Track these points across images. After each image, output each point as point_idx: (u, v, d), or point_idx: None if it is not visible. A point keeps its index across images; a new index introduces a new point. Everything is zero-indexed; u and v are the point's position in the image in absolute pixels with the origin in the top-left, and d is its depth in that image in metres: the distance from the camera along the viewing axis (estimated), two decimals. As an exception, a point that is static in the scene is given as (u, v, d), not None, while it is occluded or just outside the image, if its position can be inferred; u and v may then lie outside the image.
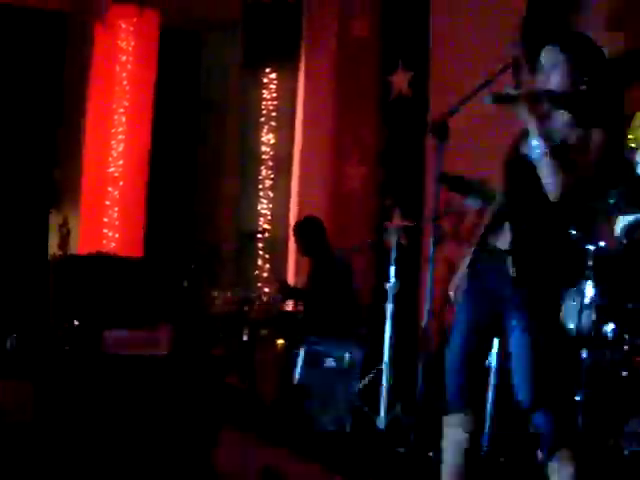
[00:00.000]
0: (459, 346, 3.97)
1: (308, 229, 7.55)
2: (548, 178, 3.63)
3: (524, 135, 3.84)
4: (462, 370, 3.96)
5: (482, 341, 4.05)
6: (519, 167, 3.84)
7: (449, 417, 3.99)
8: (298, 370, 6.13)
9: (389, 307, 5.48)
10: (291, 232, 7.88)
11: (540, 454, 3.93)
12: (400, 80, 8.78)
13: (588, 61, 3.80)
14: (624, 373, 5.18)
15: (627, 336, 4.83)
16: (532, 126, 3.69)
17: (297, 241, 7.71)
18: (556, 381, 3.79)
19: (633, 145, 5.36)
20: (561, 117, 3.80)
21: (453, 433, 3.97)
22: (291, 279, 9.28)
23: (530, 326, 3.68)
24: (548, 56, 3.83)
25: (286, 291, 7.43)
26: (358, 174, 9.28)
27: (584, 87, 3.75)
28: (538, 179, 3.68)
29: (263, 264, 10.02)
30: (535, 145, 3.67)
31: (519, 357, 3.75)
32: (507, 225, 3.83)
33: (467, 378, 3.97)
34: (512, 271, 3.72)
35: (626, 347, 4.85)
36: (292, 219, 9.58)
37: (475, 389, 4.06)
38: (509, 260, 3.73)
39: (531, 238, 3.74)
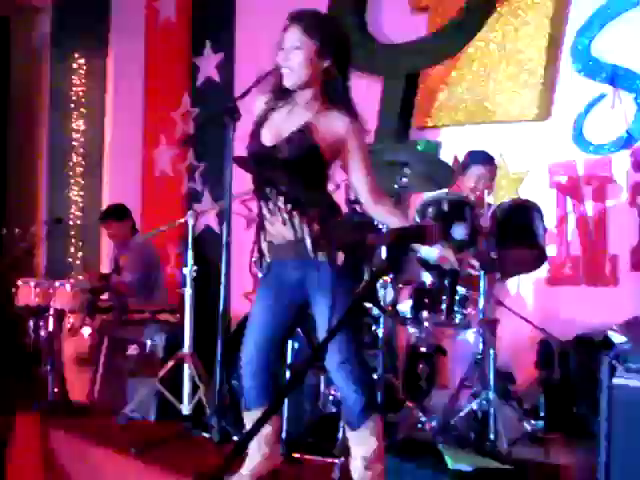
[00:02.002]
0: (257, 344, 3.94)
1: (114, 216, 7.49)
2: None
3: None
4: (262, 368, 3.94)
5: (280, 334, 4.02)
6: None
7: (251, 413, 3.96)
8: (102, 358, 6.08)
9: (188, 292, 5.42)
10: (104, 222, 7.75)
11: (344, 427, 3.96)
12: (209, 63, 8.77)
13: (331, 43, 3.80)
14: (422, 349, 5.33)
15: (426, 313, 4.93)
16: None
17: (104, 228, 7.62)
18: (358, 356, 3.82)
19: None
20: None
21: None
22: (103, 267, 9.19)
23: (333, 303, 3.65)
24: (290, 37, 3.76)
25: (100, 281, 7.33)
26: (168, 158, 9.23)
27: None
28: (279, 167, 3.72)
29: (75, 252, 9.87)
30: None
31: (322, 330, 3.74)
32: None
33: (268, 375, 3.95)
34: (310, 252, 3.73)
35: (426, 324, 4.97)
36: (104, 205, 9.47)
37: (276, 382, 4.02)
38: (307, 243, 3.74)
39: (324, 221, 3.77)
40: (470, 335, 5.11)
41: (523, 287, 6.05)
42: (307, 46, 3.72)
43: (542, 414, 5.11)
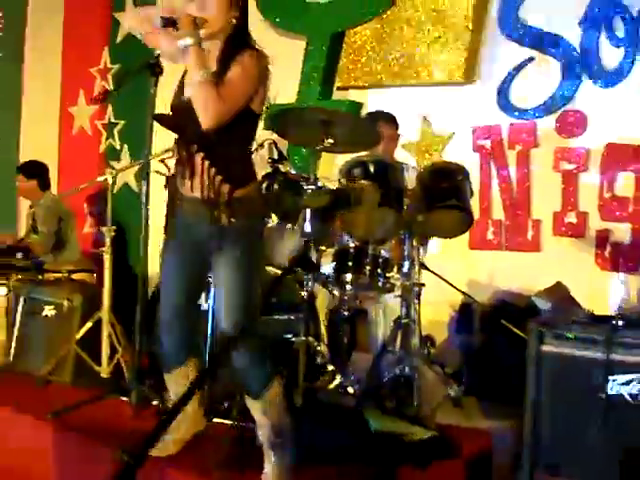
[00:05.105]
0: (171, 303, 3.85)
1: (30, 171, 7.31)
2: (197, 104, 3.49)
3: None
4: (179, 327, 3.87)
5: (193, 290, 3.95)
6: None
7: (171, 374, 3.92)
8: (18, 320, 5.91)
9: (107, 251, 5.28)
10: (16, 174, 7.56)
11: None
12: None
13: None
14: (344, 313, 5.28)
15: (349, 276, 4.87)
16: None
17: (20, 183, 7.44)
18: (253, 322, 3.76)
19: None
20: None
21: (180, 387, 3.90)
22: (19, 224, 9.01)
23: (230, 265, 3.63)
24: None
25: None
26: (86, 115, 9.03)
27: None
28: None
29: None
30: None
31: (220, 292, 3.69)
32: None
33: (184, 332, 3.89)
34: (211, 214, 3.64)
35: (348, 287, 4.91)
36: (21, 158, 9.25)
37: (193, 339, 3.98)
38: (215, 204, 3.64)
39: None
40: (392, 299, 5.06)
41: (444, 250, 6.02)
42: None
43: (463, 379, 5.08)
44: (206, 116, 3.47)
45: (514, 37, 6.19)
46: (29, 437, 4.64)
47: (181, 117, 3.72)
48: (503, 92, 6.23)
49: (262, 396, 3.70)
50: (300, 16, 7.16)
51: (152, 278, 7.25)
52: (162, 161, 6.29)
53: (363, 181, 4.55)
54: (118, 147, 8.68)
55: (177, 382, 3.93)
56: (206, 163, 3.63)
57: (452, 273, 5.58)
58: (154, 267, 7.15)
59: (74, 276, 6.48)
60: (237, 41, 3.63)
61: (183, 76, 3.79)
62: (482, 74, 6.39)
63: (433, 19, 6.51)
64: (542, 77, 6.07)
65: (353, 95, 6.96)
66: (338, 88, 7.05)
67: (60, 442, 4.46)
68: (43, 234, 6.93)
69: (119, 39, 8.71)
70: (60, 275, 6.34)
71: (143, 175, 4.22)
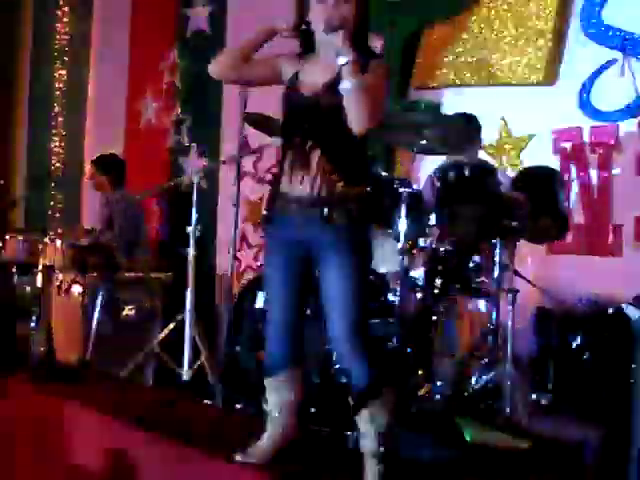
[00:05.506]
0: (278, 312, 3.80)
1: (106, 165, 7.30)
2: (356, 108, 3.47)
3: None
4: (284, 335, 3.83)
5: (298, 303, 3.86)
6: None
7: (272, 379, 3.88)
8: (95, 319, 5.89)
9: (190, 252, 5.17)
10: (88, 168, 7.55)
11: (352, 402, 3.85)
12: (199, 14, 8.55)
13: None
14: (433, 317, 5.21)
15: (439, 280, 4.82)
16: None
17: (94, 177, 7.41)
18: (366, 326, 3.71)
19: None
20: None
21: (279, 394, 3.87)
22: (84, 220, 9.02)
23: (345, 265, 3.56)
24: None
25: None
26: (154, 110, 9.02)
27: None
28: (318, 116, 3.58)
29: (55, 205, 9.65)
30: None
31: (335, 298, 3.60)
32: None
33: (289, 342, 3.85)
34: (325, 213, 3.58)
35: (436, 291, 4.85)
36: (86, 157, 9.27)
37: (299, 348, 3.91)
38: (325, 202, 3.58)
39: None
40: (482, 304, 5.00)
41: (522, 254, 5.94)
42: None
43: (550, 386, 5.00)
44: (363, 120, 3.45)
45: (596, 38, 6.08)
46: (113, 439, 4.61)
47: (298, 114, 3.69)
48: (584, 94, 6.11)
49: (370, 404, 3.64)
50: (377, 15, 7.08)
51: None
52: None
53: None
54: (186, 143, 8.66)
55: (279, 389, 3.89)
56: (323, 160, 3.59)
57: (530, 277, 5.51)
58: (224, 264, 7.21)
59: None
60: (362, 42, 3.62)
61: (296, 73, 3.75)
62: (564, 75, 6.28)
63: (513, 18, 6.42)
64: (625, 79, 5.95)
65: (430, 95, 6.89)
66: (415, 88, 6.98)
67: (145, 444, 4.42)
68: (119, 231, 6.91)
69: (188, 35, 8.68)
70: (136, 274, 6.30)
71: (234, 178, 4.20)
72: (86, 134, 9.64)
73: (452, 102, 6.68)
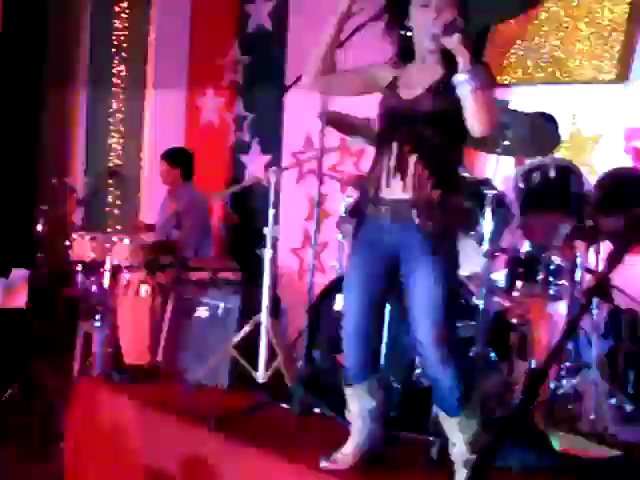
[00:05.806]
0: (357, 318, 3.78)
1: (176, 158, 7.29)
2: (478, 114, 3.47)
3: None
4: (363, 343, 3.81)
5: (379, 302, 3.86)
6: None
7: (354, 388, 3.87)
8: (167, 319, 5.85)
9: (267, 253, 5.10)
10: (160, 160, 7.53)
11: (436, 408, 3.82)
12: (260, 11, 8.51)
13: None
14: (513, 320, 5.15)
15: (520, 283, 4.77)
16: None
17: (166, 170, 7.39)
18: (454, 333, 3.72)
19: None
20: None
21: (361, 402, 3.87)
22: (143, 217, 9.01)
23: (435, 270, 3.55)
24: None
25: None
26: (214, 107, 8.99)
27: None
28: (418, 121, 3.56)
29: (114, 202, 9.66)
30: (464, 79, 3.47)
31: (422, 303, 3.58)
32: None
33: (368, 349, 3.85)
34: (414, 216, 3.56)
35: (517, 294, 4.80)
36: (145, 154, 9.27)
37: (377, 354, 3.93)
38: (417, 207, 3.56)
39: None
40: (562, 307, 4.94)
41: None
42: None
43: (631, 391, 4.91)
44: (487, 123, 3.49)
45: (671, 35, 6.01)
46: (192, 443, 4.59)
47: (396, 118, 3.68)
48: (658, 92, 6.05)
49: (460, 413, 3.61)
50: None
51: (280, 273, 7.26)
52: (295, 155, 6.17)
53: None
54: (247, 140, 8.62)
55: (360, 397, 3.88)
56: (419, 165, 3.57)
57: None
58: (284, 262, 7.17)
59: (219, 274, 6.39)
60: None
61: (395, 78, 3.75)
62: (635, 73, 6.19)
63: (585, 15, 6.34)
64: (700, 78, 5.89)
65: (497, 93, 6.79)
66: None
67: (224, 450, 4.40)
68: (188, 229, 6.88)
69: (249, 31, 8.64)
70: (207, 274, 6.25)
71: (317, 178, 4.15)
72: (145, 131, 9.61)
73: (520, 99, 6.60)
